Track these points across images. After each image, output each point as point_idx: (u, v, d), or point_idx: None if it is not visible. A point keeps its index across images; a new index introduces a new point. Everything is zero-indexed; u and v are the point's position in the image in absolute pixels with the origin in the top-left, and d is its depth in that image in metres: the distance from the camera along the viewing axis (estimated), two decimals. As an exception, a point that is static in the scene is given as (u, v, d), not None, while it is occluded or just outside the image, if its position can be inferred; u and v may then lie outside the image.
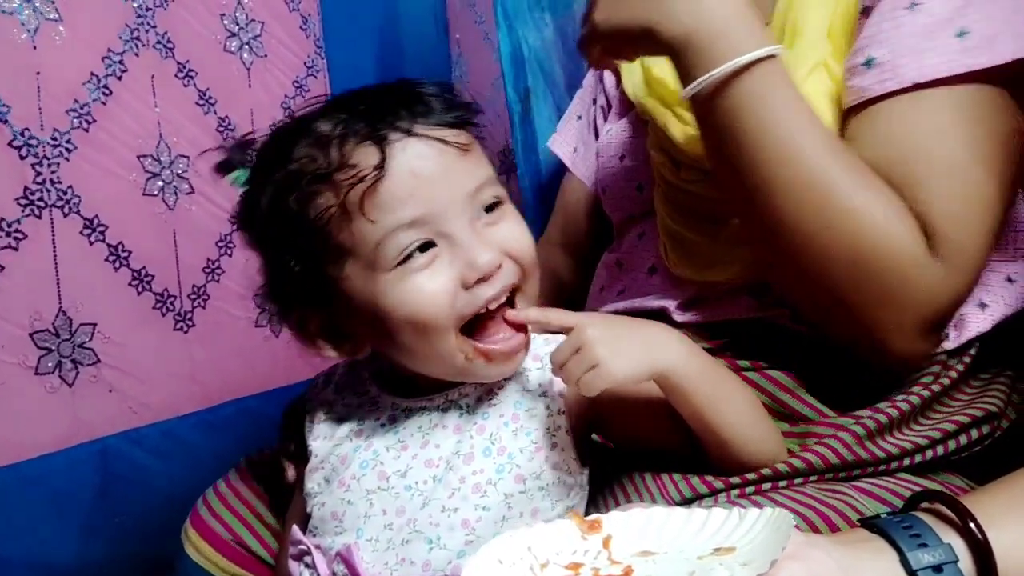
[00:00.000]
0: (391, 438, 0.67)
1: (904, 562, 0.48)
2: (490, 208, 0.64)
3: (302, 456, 0.72)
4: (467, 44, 1.46)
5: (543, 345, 0.69)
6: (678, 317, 0.81)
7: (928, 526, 0.49)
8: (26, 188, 0.97)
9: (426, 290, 0.60)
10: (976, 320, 0.73)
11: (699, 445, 0.65)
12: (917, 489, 0.57)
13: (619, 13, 0.70)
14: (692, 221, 0.82)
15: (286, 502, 0.78)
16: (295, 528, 0.69)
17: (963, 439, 0.72)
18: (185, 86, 1.15)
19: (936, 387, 0.72)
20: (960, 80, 0.65)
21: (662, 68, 0.85)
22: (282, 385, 1.23)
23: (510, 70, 1.20)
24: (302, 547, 0.67)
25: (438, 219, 0.61)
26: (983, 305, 0.74)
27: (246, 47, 1.23)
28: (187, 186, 1.13)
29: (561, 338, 0.64)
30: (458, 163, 0.62)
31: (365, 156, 0.60)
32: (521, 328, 0.64)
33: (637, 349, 0.61)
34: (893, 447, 0.69)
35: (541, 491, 0.64)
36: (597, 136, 1.07)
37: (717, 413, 0.62)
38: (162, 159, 1.11)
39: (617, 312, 0.86)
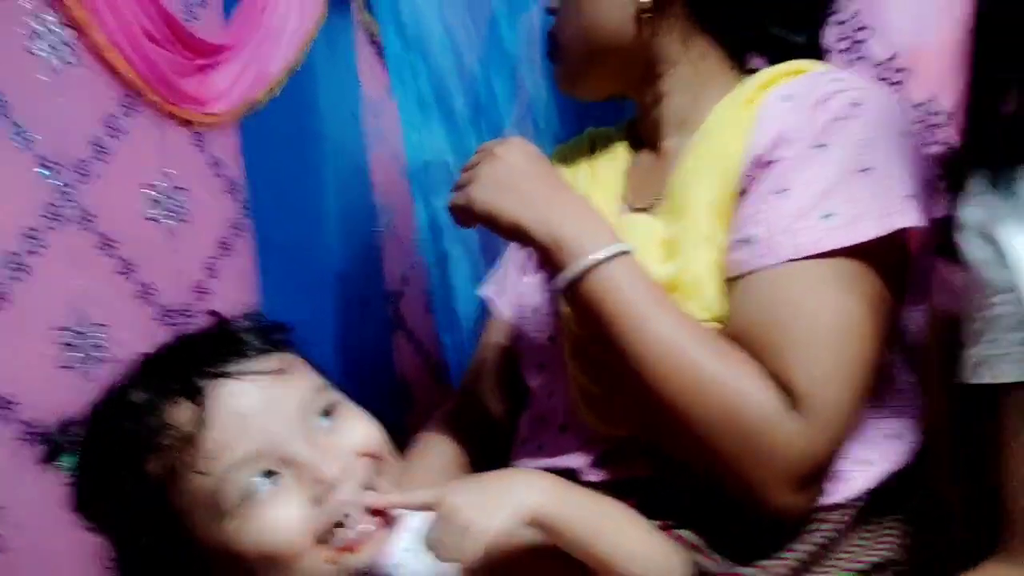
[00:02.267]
0: None
1: None
2: (326, 414, 0.64)
3: None
4: (394, 205, 1.49)
5: None
6: (589, 476, 0.82)
7: None
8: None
9: (276, 520, 0.59)
10: (860, 477, 0.76)
11: None
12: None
13: (496, 202, 0.79)
14: (597, 373, 0.84)
15: None
16: None
17: None
18: (109, 257, 1.15)
19: (833, 534, 0.74)
20: (829, 254, 0.72)
21: None
22: None
23: (428, 237, 1.24)
24: None
25: (274, 447, 0.60)
26: (867, 462, 0.76)
27: (171, 214, 1.24)
28: (106, 355, 1.12)
29: None
30: (279, 386, 0.62)
31: (182, 414, 0.60)
32: (379, 512, 0.63)
33: (502, 500, 0.60)
34: None
35: None
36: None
37: (604, 544, 0.61)
38: (79, 330, 1.10)
39: (537, 468, 0.87)
